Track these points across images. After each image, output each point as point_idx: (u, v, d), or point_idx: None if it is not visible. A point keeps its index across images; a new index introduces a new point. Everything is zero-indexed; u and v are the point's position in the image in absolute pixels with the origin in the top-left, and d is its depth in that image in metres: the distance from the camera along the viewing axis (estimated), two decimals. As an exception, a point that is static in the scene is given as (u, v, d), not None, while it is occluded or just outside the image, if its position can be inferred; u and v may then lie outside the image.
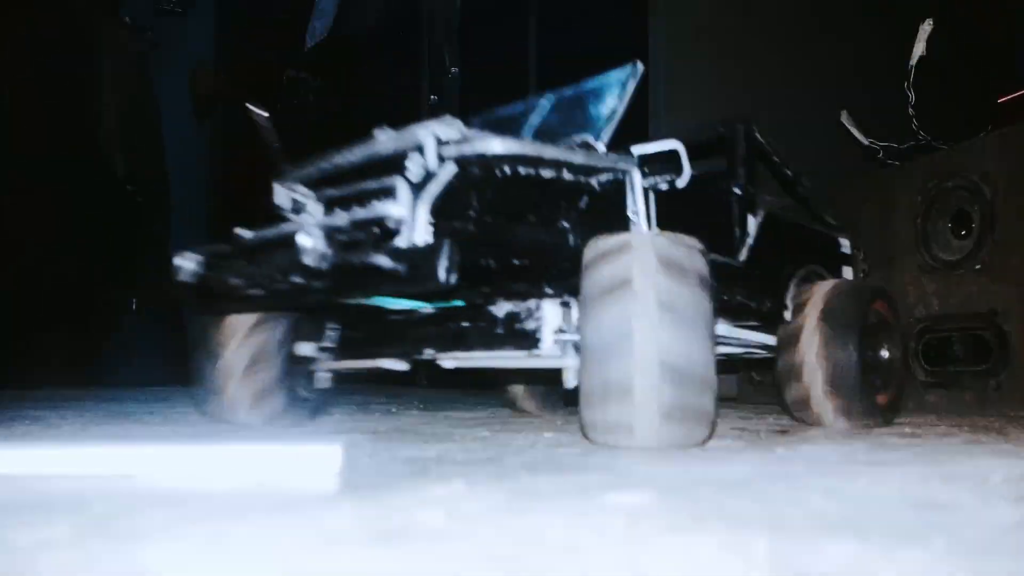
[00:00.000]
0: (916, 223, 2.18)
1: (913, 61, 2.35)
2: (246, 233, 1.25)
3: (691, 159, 1.40)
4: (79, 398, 2.76)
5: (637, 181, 1.30)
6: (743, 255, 1.50)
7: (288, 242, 1.08)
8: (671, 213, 1.39)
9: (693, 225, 1.22)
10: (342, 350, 1.45)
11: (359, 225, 1.07)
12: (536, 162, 1.18)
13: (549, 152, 1.19)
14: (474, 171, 1.10)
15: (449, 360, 1.33)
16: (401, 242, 0.99)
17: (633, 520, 0.58)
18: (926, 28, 2.30)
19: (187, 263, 1.23)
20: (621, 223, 1.29)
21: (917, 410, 2.09)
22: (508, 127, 1.54)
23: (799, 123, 3.11)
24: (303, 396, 1.48)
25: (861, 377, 1.44)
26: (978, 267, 2.03)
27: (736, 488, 0.72)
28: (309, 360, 1.46)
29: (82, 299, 4.93)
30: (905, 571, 0.46)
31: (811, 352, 1.45)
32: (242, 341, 1.37)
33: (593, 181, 1.27)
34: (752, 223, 1.54)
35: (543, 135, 1.45)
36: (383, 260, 0.98)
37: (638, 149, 1.38)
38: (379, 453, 1.01)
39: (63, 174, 4.58)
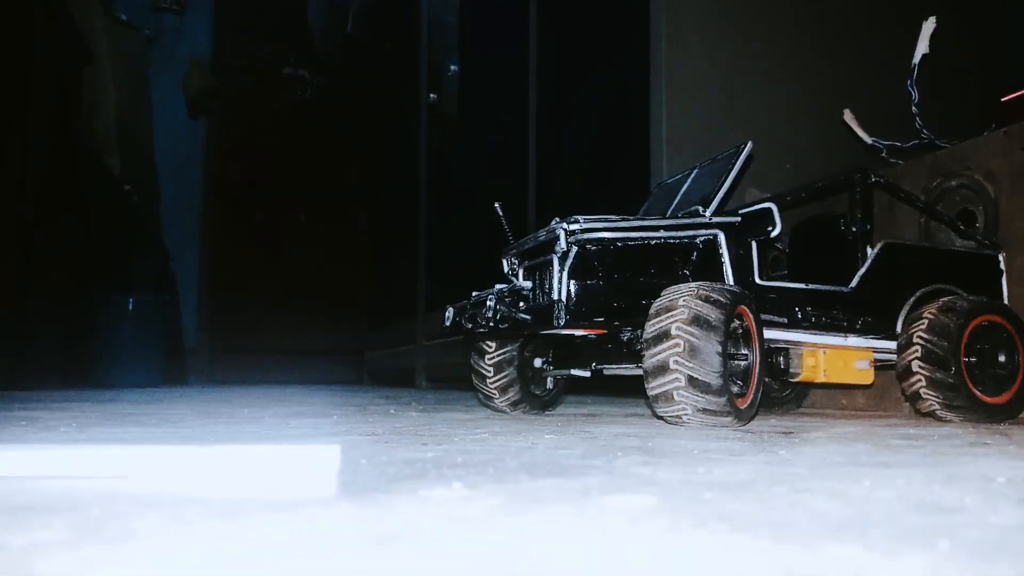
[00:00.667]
0: (920, 222, 2.17)
1: (916, 59, 2.34)
2: (475, 294, 1.87)
3: (818, 200, 2.09)
4: (74, 399, 2.76)
5: (723, 240, 1.75)
6: (854, 282, 1.85)
7: (485, 301, 1.72)
8: (799, 250, 2.11)
9: (814, 259, 1.94)
10: (556, 363, 2.07)
11: (514, 292, 1.74)
12: (638, 231, 1.69)
13: (647, 224, 1.71)
14: (591, 248, 1.64)
15: (608, 371, 1.88)
16: (545, 298, 1.67)
17: (634, 522, 0.57)
18: (929, 26, 2.29)
19: (448, 313, 1.92)
20: (715, 272, 1.74)
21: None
22: (670, 192, 2.08)
23: (802, 122, 3.10)
24: (537, 392, 2.10)
25: (961, 378, 1.73)
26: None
27: (738, 490, 0.71)
28: (540, 369, 2.11)
29: (78, 300, 4.93)
30: (909, 574, 0.45)
31: (914, 358, 1.76)
32: (490, 357, 2.01)
33: (690, 240, 1.74)
34: (870, 253, 1.89)
35: (684, 201, 1.94)
36: (521, 315, 1.64)
37: (743, 211, 1.79)
38: (377, 455, 1.01)
39: (58, 173, 4.57)
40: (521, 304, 1.69)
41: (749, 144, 1.87)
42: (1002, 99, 2.61)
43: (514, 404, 2.04)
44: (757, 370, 1.57)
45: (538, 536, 0.54)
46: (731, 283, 1.72)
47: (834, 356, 1.81)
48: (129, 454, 0.82)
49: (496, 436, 1.32)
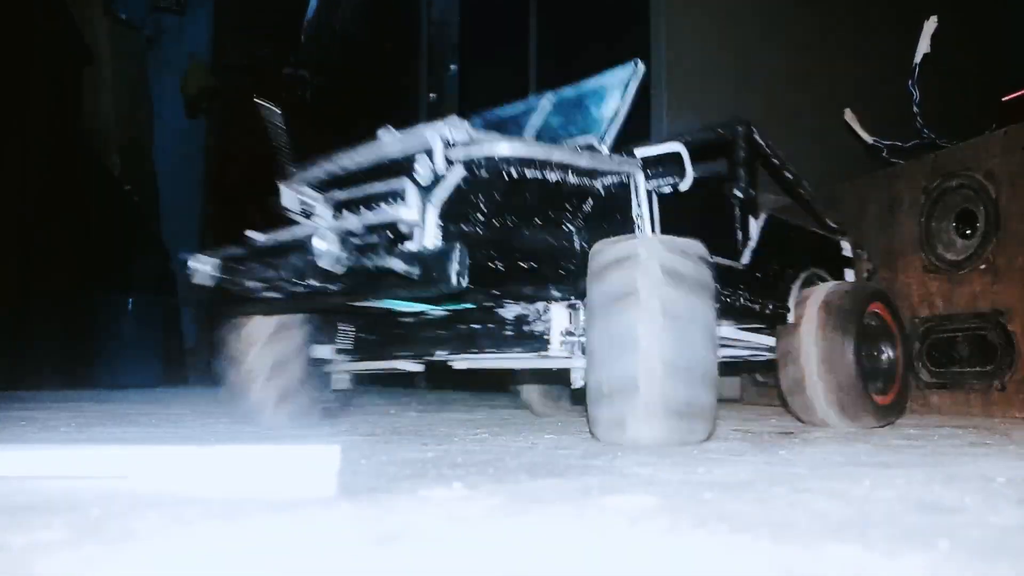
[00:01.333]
0: (920, 222, 2.17)
1: (917, 59, 2.33)
2: (258, 236, 1.26)
3: (692, 162, 1.46)
4: (73, 399, 2.76)
5: (641, 184, 1.32)
6: (746, 258, 1.50)
7: (302, 246, 1.10)
8: (672, 215, 1.43)
9: (694, 227, 1.25)
10: (357, 352, 1.51)
11: (371, 229, 1.08)
12: (543, 165, 1.18)
13: (557, 155, 1.20)
14: (483, 174, 1.11)
15: (461, 361, 1.37)
16: (413, 246, 1.02)
17: (634, 523, 0.57)
18: (930, 26, 2.29)
19: (202, 266, 1.24)
20: (626, 226, 1.31)
21: (921, 411, 2.08)
22: (508, 128, 1.55)
23: (802, 121, 3.10)
24: (322, 397, 1.54)
25: (860, 378, 1.48)
26: (983, 267, 2.01)
27: (739, 490, 0.71)
28: (326, 362, 1.52)
29: (78, 300, 4.93)
30: (909, 574, 0.45)
31: (811, 355, 1.48)
32: (265, 344, 1.42)
33: (598, 184, 1.29)
34: (754, 226, 1.55)
35: (545, 136, 1.47)
36: (396, 263, 1.00)
37: (641, 151, 1.40)
38: (377, 455, 1.01)
39: (58, 173, 4.57)
40: (387, 248, 1.03)
41: (640, 64, 1.42)
42: (1003, 99, 2.61)
43: (287, 416, 1.46)
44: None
45: (538, 536, 0.54)
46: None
47: None
48: (129, 454, 0.82)
49: (496, 436, 1.32)
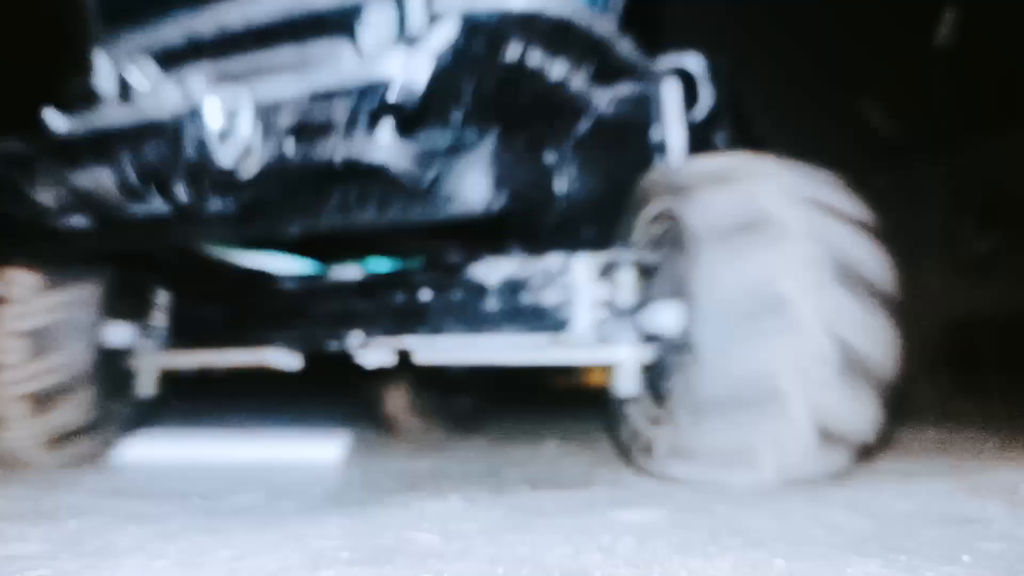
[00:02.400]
0: (941, 220, 2.14)
1: (937, 54, 2.29)
2: (59, 121, 0.74)
3: None
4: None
5: (671, 99, 0.91)
6: None
7: (166, 131, 0.64)
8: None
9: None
10: (183, 335, 0.96)
11: (319, 97, 0.62)
12: (558, 34, 0.75)
13: (578, 17, 0.76)
14: (481, 40, 0.69)
15: (387, 349, 0.86)
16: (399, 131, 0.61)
17: (642, 539, 0.54)
18: (950, 19, 2.26)
19: None
20: (641, 153, 0.90)
21: (943, 416, 2.04)
22: None
23: (818, 117, 3.06)
24: (116, 411, 0.95)
25: None
26: (1006, 265, 1.98)
27: (753, 502, 0.68)
28: (125, 352, 0.95)
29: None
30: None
31: None
32: (20, 318, 0.86)
33: (615, 86, 0.87)
34: None
35: None
36: (379, 153, 0.60)
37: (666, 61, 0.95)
38: (368, 465, 0.97)
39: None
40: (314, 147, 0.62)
41: None
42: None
43: (58, 442, 0.89)
44: None
45: (541, 555, 0.51)
46: None
47: None
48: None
49: (494, 445, 1.29)
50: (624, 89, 0.88)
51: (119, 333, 0.94)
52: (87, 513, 0.63)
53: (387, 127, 0.61)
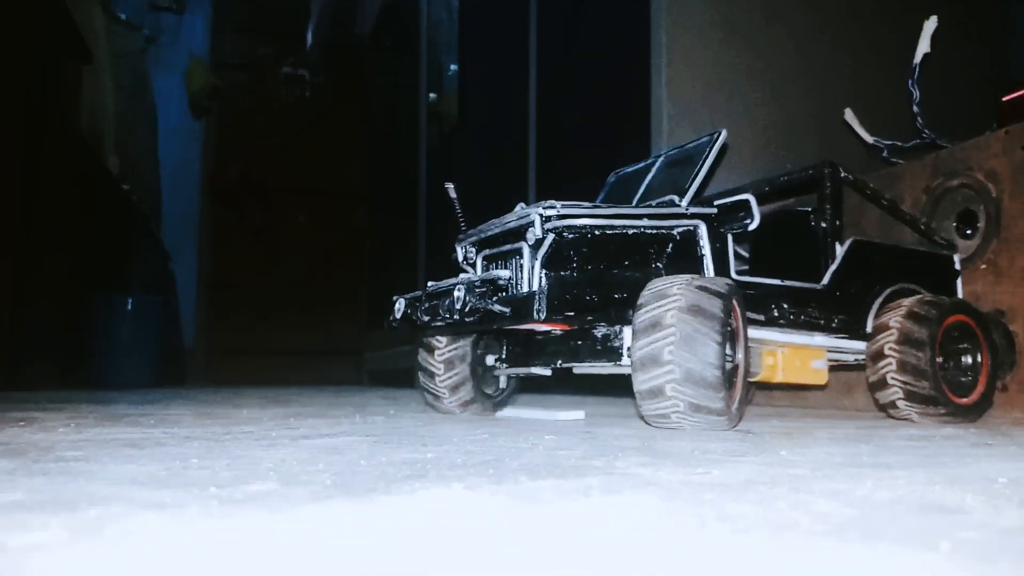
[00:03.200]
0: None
1: (917, 59, 2.33)
2: (431, 285, 1.70)
3: (785, 197, 2.04)
4: (72, 400, 2.76)
5: (703, 232, 1.66)
6: (826, 279, 1.81)
7: (450, 291, 1.56)
8: (766, 248, 1.96)
9: (784, 256, 1.84)
10: (510, 360, 1.96)
11: (484, 282, 1.53)
12: (619, 219, 1.59)
13: (627, 212, 1.61)
14: (567, 236, 1.54)
15: (575, 369, 1.76)
16: (513, 291, 1.56)
17: (636, 524, 0.57)
18: (930, 25, 2.29)
19: (398, 305, 1.77)
20: (694, 264, 1.65)
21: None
22: (631, 183, 2.00)
23: (802, 121, 3.10)
24: (488, 392, 2.03)
25: (939, 387, 1.70)
26: (984, 267, 2.01)
27: (740, 491, 0.71)
28: (492, 367, 2.02)
29: (76, 299, 4.92)
30: (911, 575, 0.45)
31: (890, 360, 1.72)
32: (440, 353, 1.93)
33: (668, 231, 1.65)
34: (839, 251, 1.83)
35: (651, 190, 1.88)
36: (495, 306, 1.47)
37: (718, 202, 1.69)
38: (376, 455, 1.00)
39: (58, 173, 4.56)
40: (493, 296, 1.53)
41: (723, 132, 1.79)
42: (1003, 99, 2.61)
43: (465, 404, 1.96)
44: (742, 369, 1.46)
45: (539, 538, 0.53)
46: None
47: (792, 355, 1.75)
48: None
49: (496, 437, 1.32)
50: (679, 226, 1.66)
51: (488, 359, 2.02)
52: (107, 502, 0.65)
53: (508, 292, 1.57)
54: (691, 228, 1.66)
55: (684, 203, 1.68)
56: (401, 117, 6.26)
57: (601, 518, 0.60)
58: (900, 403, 1.73)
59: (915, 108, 2.36)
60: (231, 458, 0.95)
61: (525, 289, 1.51)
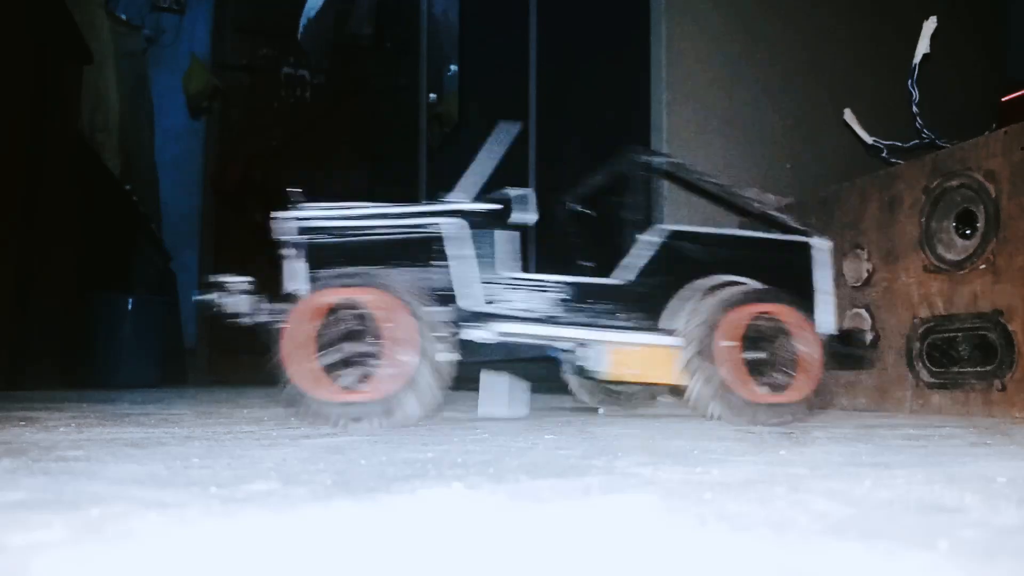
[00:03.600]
0: (920, 222, 2.17)
1: (917, 59, 2.33)
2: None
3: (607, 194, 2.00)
4: (73, 399, 2.76)
5: (451, 230, 1.67)
6: (631, 275, 1.74)
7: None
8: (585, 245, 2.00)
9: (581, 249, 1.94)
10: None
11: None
12: (357, 219, 1.70)
13: (370, 212, 1.70)
14: (324, 238, 1.69)
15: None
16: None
17: (635, 523, 0.57)
18: (930, 26, 2.29)
19: None
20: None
21: (921, 411, 2.08)
22: None
23: (801, 121, 3.10)
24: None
25: (735, 376, 1.63)
26: (983, 267, 2.01)
27: (739, 490, 0.71)
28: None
29: (77, 299, 4.92)
30: (908, 574, 0.45)
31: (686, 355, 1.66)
32: None
33: (420, 231, 1.70)
34: (646, 246, 1.76)
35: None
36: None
37: (496, 196, 1.71)
38: (377, 455, 1.01)
39: (59, 173, 4.57)
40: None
41: (515, 126, 1.81)
42: (1002, 99, 2.61)
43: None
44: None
45: (538, 537, 0.54)
46: (455, 277, 1.64)
47: (646, 354, 1.70)
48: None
49: (496, 436, 1.32)
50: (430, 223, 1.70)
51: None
52: (108, 501, 0.65)
53: None
54: (438, 226, 1.67)
55: (451, 197, 1.71)
56: (401, 117, 6.26)
57: (601, 517, 0.60)
58: (699, 393, 1.65)
59: (914, 108, 2.36)
60: (232, 457, 0.96)
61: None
